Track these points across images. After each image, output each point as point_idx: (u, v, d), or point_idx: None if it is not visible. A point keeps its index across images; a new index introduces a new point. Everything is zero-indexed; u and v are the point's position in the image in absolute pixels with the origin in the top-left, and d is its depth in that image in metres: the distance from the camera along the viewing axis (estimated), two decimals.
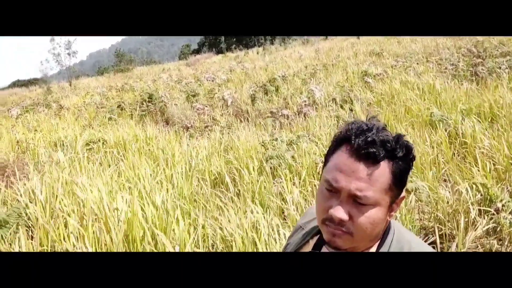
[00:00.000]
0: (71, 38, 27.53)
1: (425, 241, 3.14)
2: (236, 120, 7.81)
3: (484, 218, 3.10)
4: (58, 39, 26.96)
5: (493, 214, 3.07)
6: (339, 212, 0.89)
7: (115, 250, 3.02)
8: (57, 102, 12.57)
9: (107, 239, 3.08)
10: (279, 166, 4.19)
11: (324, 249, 1.05)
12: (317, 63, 13.38)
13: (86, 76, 32.39)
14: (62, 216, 3.23)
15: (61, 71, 29.25)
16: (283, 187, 3.77)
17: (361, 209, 0.89)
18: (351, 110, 6.73)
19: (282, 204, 3.54)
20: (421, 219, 3.50)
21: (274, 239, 2.95)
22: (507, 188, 3.56)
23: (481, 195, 3.35)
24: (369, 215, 0.89)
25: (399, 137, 0.90)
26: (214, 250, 3.20)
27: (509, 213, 3.02)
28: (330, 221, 0.91)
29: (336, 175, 0.90)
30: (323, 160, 1.01)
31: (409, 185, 3.42)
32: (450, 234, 3.15)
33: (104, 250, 3.08)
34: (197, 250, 3.12)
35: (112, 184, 3.96)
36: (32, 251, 2.94)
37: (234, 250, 3.05)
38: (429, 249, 0.99)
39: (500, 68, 7.81)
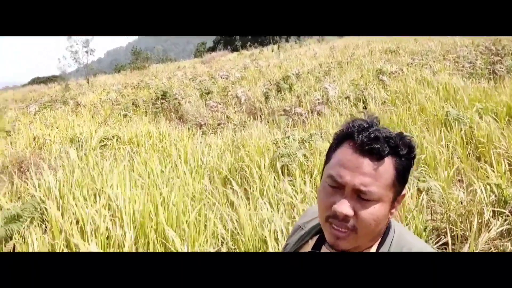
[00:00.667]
0: (89, 36, 27.94)
1: (437, 242, 3.10)
2: (249, 118, 7.81)
3: (498, 220, 3.04)
4: (75, 37, 27.40)
5: (508, 216, 3.01)
6: (344, 207, 0.87)
7: (126, 245, 3.06)
8: (74, 99, 12.78)
9: (119, 234, 3.13)
10: (290, 164, 4.19)
11: (324, 249, 1.04)
12: (331, 61, 13.29)
13: (104, 73, 32.82)
14: (74, 213, 3.29)
15: (79, 68, 29.72)
16: (294, 185, 3.76)
17: (365, 204, 0.88)
18: (365, 108, 6.67)
19: (292, 201, 3.53)
20: (434, 220, 3.44)
21: (284, 237, 2.95)
22: None
23: (496, 196, 3.28)
24: (373, 211, 0.88)
25: (401, 135, 0.90)
26: (224, 247, 3.22)
27: None
28: (334, 217, 0.90)
29: (340, 170, 0.90)
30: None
31: (421, 185, 3.37)
32: (463, 236, 3.09)
33: (115, 245, 3.13)
34: (207, 247, 3.14)
35: (124, 180, 4.01)
36: (45, 244, 3.01)
37: (242, 247, 3.07)
38: (430, 249, 0.97)
39: None
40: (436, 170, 3.91)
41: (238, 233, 3.19)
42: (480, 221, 3.04)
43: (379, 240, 0.98)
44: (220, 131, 6.74)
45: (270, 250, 2.86)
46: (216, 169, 4.56)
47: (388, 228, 0.99)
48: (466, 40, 12.61)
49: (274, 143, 4.82)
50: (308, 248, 1.07)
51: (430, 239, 3.11)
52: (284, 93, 9.02)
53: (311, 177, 3.97)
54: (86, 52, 27.77)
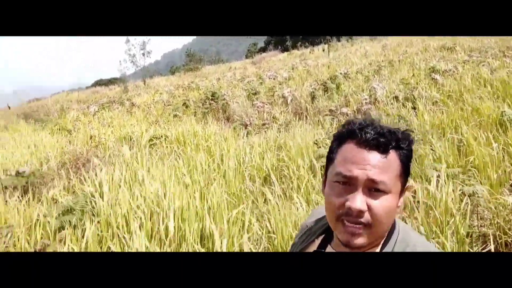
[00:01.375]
0: (145, 38, 29.17)
1: (482, 250, 2.93)
2: (294, 118, 7.80)
3: None
4: (132, 40, 28.72)
5: None
6: (358, 202, 0.89)
7: (167, 243, 3.19)
8: (130, 100, 13.47)
9: (161, 230, 3.28)
10: None
11: (329, 249, 1.06)
12: (382, 59, 12.88)
13: (160, 75, 34.17)
14: (121, 210, 3.50)
15: (137, 70, 31.19)
16: None
17: (377, 197, 0.90)
18: (414, 108, 6.41)
19: None
20: (481, 226, 3.26)
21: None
22: None
23: None
24: (385, 203, 0.90)
25: (400, 129, 0.96)
26: (260, 247, 3.27)
27: None
28: (347, 215, 0.90)
29: (348, 166, 0.92)
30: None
31: (465, 189, 3.21)
32: (511, 243, 2.91)
33: (157, 241, 3.28)
34: (244, 245, 3.21)
35: (170, 177, 4.20)
36: (96, 236, 3.23)
37: (278, 246, 3.10)
38: (434, 249, 0.97)
39: None
40: (485, 173, 3.69)
41: (273, 231, 3.23)
42: None
43: (384, 239, 0.98)
44: (264, 131, 6.81)
45: None
46: (256, 168, 4.63)
47: (393, 228, 1.00)
48: None
49: (315, 143, 4.80)
50: (314, 247, 1.09)
51: (475, 245, 2.96)
52: (331, 93, 8.90)
53: None
54: (143, 54, 29.00)
